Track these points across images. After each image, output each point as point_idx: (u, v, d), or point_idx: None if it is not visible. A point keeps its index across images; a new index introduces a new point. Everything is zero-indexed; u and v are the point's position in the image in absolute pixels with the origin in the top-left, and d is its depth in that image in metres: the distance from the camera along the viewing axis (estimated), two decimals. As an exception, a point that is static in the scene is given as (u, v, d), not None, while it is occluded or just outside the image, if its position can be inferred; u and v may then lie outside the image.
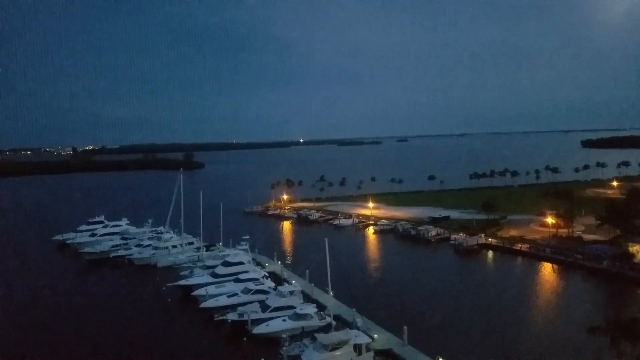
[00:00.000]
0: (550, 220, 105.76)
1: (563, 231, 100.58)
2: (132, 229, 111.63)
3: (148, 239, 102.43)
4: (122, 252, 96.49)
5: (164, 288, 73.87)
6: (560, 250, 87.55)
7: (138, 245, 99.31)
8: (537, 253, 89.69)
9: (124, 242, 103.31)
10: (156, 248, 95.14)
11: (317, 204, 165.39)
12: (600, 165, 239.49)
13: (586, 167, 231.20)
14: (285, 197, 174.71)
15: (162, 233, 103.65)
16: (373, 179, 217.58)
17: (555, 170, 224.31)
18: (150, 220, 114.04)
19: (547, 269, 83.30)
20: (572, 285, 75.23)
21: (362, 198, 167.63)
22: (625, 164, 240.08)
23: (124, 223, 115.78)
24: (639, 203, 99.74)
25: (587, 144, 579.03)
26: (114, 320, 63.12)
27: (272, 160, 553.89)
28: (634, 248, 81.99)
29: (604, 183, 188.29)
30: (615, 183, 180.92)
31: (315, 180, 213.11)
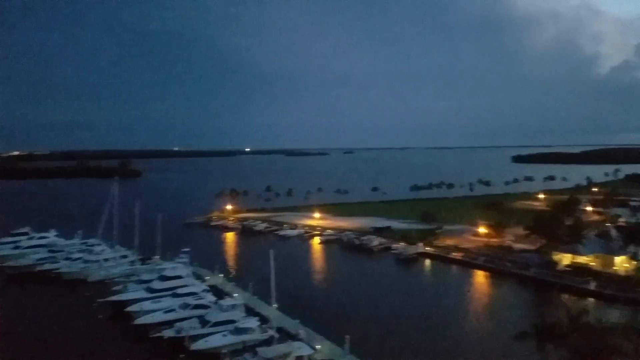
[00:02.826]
0: (482, 230, 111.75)
1: (494, 241, 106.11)
2: (61, 241, 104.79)
3: (78, 251, 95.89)
4: (48, 266, 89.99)
5: (95, 304, 69.43)
6: (491, 259, 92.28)
7: (67, 259, 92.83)
8: (471, 261, 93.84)
9: (52, 255, 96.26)
10: (87, 261, 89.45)
11: (263, 215, 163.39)
12: (529, 179, 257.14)
13: (515, 180, 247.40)
14: (229, 207, 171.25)
15: (93, 245, 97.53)
16: (320, 190, 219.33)
17: (487, 183, 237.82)
18: (80, 232, 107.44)
19: (480, 277, 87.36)
20: (502, 292, 79.12)
21: (309, 208, 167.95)
22: (551, 178, 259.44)
23: (51, 235, 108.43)
24: (563, 215, 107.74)
25: (517, 159, 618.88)
26: (39, 340, 58.58)
27: (216, 169, 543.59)
28: (558, 256, 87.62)
29: (532, 196, 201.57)
30: (542, 196, 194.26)
31: (262, 190, 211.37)
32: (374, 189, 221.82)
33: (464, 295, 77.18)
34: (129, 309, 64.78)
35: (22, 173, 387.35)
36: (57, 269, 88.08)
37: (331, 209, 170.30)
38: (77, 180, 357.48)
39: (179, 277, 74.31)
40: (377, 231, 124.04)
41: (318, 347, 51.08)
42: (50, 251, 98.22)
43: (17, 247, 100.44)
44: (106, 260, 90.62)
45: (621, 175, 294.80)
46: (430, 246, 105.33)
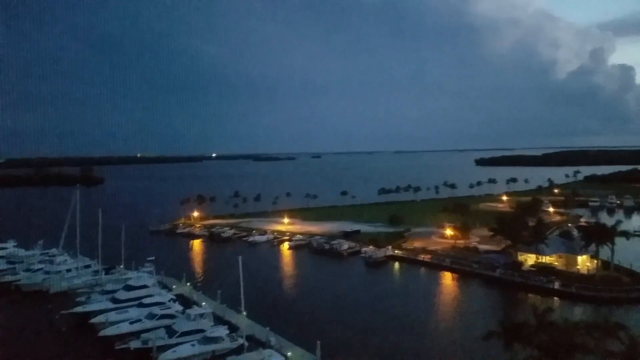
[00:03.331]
0: (449, 232, 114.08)
1: (460, 242, 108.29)
2: (21, 252, 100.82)
3: (39, 262, 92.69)
4: (8, 278, 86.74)
5: (58, 316, 66.89)
6: (458, 260, 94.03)
7: (27, 270, 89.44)
8: (438, 263, 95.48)
9: (11, 266, 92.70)
10: (48, 272, 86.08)
11: (230, 221, 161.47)
12: (492, 181, 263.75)
13: (479, 183, 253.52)
14: (196, 214, 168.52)
15: (54, 256, 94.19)
16: (288, 194, 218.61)
17: (452, 186, 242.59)
18: (41, 242, 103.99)
19: (447, 278, 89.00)
20: (469, 292, 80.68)
21: (278, 214, 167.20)
22: (513, 180, 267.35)
23: (10, 245, 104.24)
24: (526, 216, 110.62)
25: (480, 162, 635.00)
26: (-3, 356, 55.94)
27: (182, 175, 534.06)
28: (523, 256, 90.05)
29: (495, 198, 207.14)
30: (505, 198, 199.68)
31: (229, 196, 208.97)
32: (343, 193, 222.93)
33: (433, 296, 78.38)
34: (93, 320, 62.84)
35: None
36: (17, 280, 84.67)
37: (300, 213, 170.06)
38: (36, 188, 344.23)
39: (145, 286, 72.51)
40: (347, 235, 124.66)
41: (289, 354, 50.79)
42: (9, 262, 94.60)
43: None
44: (68, 270, 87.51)
45: (581, 177, 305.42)
46: (399, 249, 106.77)
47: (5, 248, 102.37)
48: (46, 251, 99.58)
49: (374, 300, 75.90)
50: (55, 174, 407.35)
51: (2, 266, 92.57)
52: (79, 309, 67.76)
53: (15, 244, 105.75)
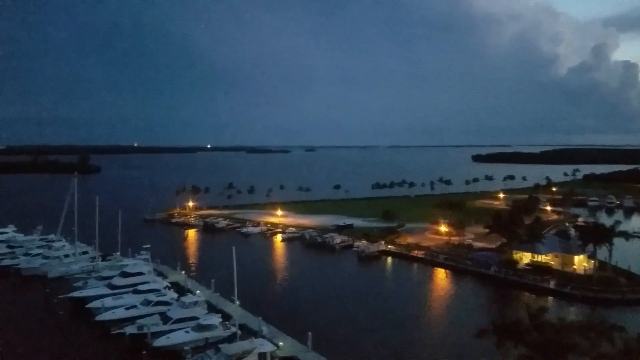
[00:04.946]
0: (443, 228, 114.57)
1: (455, 239, 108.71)
2: (20, 237, 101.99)
3: (37, 247, 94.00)
4: (7, 262, 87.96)
5: (55, 300, 68.12)
6: (452, 257, 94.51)
7: (26, 255, 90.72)
8: (432, 259, 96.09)
9: (10, 250, 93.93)
10: (46, 257, 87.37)
11: (224, 212, 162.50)
12: (488, 178, 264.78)
13: (476, 180, 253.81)
14: (190, 204, 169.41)
15: (53, 241, 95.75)
16: (282, 187, 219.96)
17: (448, 182, 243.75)
18: (39, 228, 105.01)
19: (440, 275, 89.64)
20: (463, 290, 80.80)
21: (271, 206, 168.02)
22: (511, 177, 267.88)
23: (10, 230, 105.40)
24: (522, 214, 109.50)
25: (477, 158, 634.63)
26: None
27: (177, 165, 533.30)
28: (518, 255, 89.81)
29: (492, 195, 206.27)
30: (501, 195, 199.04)
31: (223, 187, 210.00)
32: (336, 187, 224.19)
33: (425, 292, 79.16)
34: (89, 305, 63.87)
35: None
36: (17, 264, 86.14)
37: (293, 206, 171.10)
38: (35, 175, 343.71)
39: (140, 273, 73.78)
40: (339, 229, 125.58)
41: (280, 344, 51.73)
42: (9, 247, 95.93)
43: None
44: (66, 256, 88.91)
45: (580, 176, 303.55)
46: (392, 244, 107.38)
47: (6, 233, 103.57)
48: (45, 237, 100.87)
49: (366, 295, 76.77)
50: (53, 161, 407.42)
51: (2, 250, 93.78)
52: (76, 293, 68.87)
53: (15, 229, 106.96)
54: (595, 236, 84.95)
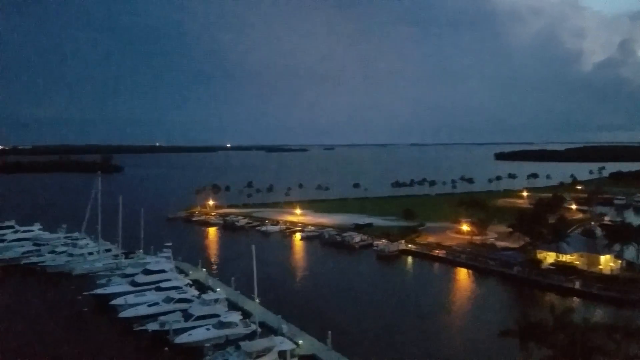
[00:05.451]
0: (465, 227, 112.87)
1: (477, 238, 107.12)
2: (45, 235, 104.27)
3: (62, 245, 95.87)
4: (34, 259, 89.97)
5: (80, 297, 69.59)
6: (474, 257, 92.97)
7: (52, 252, 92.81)
8: (453, 259, 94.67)
9: (36, 248, 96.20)
10: (71, 255, 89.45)
11: (244, 210, 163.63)
12: (512, 176, 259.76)
13: (498, 178, 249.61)
14: (211, 202, 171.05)
15: (77, 239, 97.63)
16: (300, 186, 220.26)
17: (470, 180, 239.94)
18: (64, 226, 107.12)
19: (462, 275, 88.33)
20: (485, 290, 79.43)
21: (290, 204, 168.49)
22: (534, 175, 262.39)
23: (36, 228, 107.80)
24: (546, 213, 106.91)
25: (500, 156, 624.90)
26: (25, 332, 58.52)
27: (198, 164, 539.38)
28: (542, 255, 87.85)
29: (515, 193, 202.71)
30: (525, 193, 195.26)
31: (243, 186, 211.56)
32: (355, 186, 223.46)
33: (447, 292, 78.10)
34: (113, 302, 64.99)
35: (6, 168, 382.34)
36: (42, 262, 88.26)
37: (312, 205, 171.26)
38: (60, 174, 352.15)
39: (163, 271, 74.75)
40: (358, 228, 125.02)
41: (300, 342, 51.78)
42: (35, 244, 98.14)
43: (2, 241, 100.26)
44: (90, 254, 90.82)
45: (605, 174, 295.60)
46: (412, 243, 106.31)
47: (32, 231, 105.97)
48: (69, 235, 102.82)
49: (386, 294, 76.18)
50: (78, 161, 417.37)
51: (28, 248, 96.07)
52: (100, 290, 70.24)
53: (41, 227, 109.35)
54: (622, 235, 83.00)
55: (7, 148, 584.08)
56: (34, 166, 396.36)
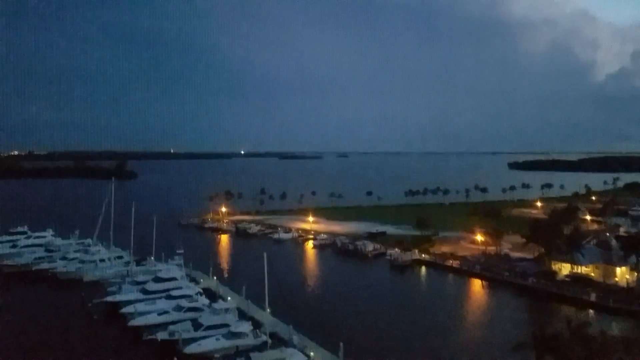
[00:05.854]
0: (479, 237, 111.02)
1: (491, 248, 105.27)
2: (58, 241, 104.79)
3: (74, 251, 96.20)
4: (45, 265, 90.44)
5: (90, 304, 69.46)
6: (488, 267, 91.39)
7: (63, 258, 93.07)
8: (467, 269, 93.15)
9: (48, 254, 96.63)
10: (83, 261, 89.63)
11: (256, 217, 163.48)
12: (526, 186, 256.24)
13: (512, 187, 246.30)
14: (223, 209, 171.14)
15: (89, 245, 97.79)
16: (314, 193, 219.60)
17: (484, 189, 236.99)
18: (77, 232, 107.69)
19: (476, 285, 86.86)
20: (500, 301, 78.08)
21: (303, 212, 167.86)
22: (549, 185, 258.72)
23: (48, 234, 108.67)
24: (561, 223, 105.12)
25: (513, 165, 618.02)
26: (34, 338, 58.41)
27: (211, 171, 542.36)
28: (557, 266, 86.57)
29: (529, 203, 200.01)
30: (539, 203, 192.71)
31: (256, 193, 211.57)
32: (368, 193, 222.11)
33: (461, 303, 76.83)
34: (123, 310, 64.72)
35: (21, 172, 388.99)
36: (54, 268, 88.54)
37: (325, 212, 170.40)
38: (74, 180, 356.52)
39: (174, 279, 74.35)
40: (372, 236, 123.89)
41: (311, 354, 50.75)
42: (47, 250, 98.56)
43: (14, 246, 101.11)
44: (102, 260, 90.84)
45: (620, 184, 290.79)
46: (426, 253, 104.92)
47: (44, 237, 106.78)
48: (81, 241, 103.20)
49: (399, 305, 75.02)
50: (92, 167, 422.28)
51: (41, 254, 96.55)
52: (110, 298, 70.08)
53: (53, 233, 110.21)
54: (638, 247, 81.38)
55: (23, 154, 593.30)
56: (49, 171, 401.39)
